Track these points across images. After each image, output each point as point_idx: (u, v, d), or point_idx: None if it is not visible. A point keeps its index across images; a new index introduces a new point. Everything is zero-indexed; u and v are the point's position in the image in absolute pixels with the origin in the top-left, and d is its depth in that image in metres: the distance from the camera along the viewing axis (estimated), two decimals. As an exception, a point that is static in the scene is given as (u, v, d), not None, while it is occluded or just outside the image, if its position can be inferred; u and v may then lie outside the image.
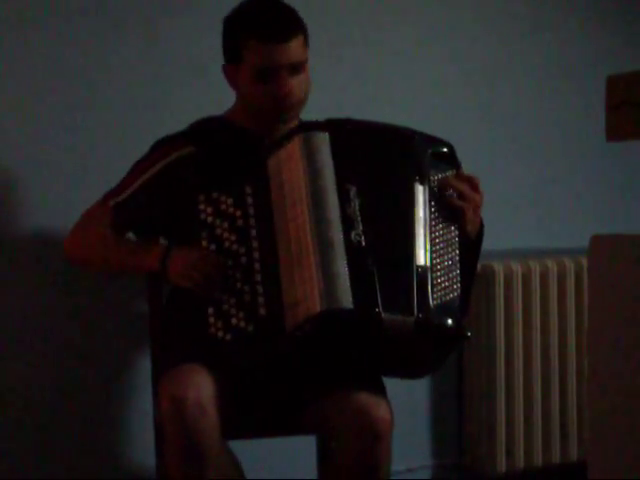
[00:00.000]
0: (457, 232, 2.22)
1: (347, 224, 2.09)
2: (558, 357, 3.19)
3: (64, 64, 2.61)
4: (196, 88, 2.73)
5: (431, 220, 2.19)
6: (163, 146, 2.33)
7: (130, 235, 2.37)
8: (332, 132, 2.18)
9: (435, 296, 2.13)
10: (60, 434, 2.61)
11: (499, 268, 3.10)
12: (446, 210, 2.22)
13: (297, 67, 2.26)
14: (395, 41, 3.10)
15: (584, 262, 3.17)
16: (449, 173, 2.26)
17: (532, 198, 3.33)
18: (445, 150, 2.29)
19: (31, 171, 2.57)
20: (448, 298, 2.15)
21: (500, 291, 3.11)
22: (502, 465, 3.11)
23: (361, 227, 2.09)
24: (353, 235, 2.08)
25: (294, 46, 2.24)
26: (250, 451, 2.55)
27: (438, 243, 2.18)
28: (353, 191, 2.12)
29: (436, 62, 3.18)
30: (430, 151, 2.26)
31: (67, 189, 2.59)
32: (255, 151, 2.23)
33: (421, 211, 2.19)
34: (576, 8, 3.44)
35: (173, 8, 2.75)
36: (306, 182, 2.12)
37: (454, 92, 3.21)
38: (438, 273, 2.16)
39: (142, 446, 2.58)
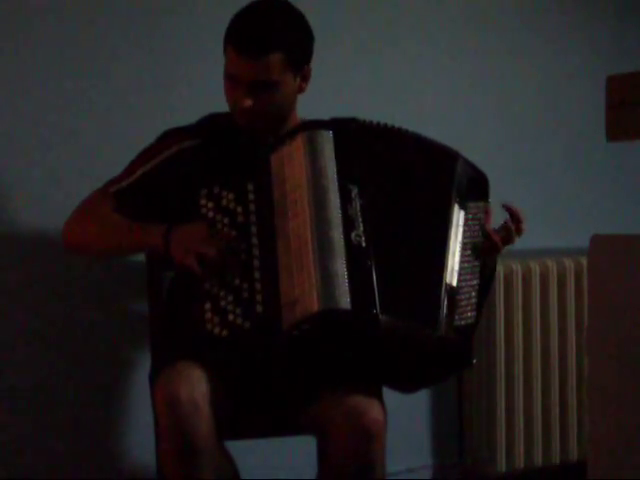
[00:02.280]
0: (480, 262, 2.24)
1: (347, 224, 2.08)
2: (558, 357, 3.19)
3: (60, 64, 2.61)
4: (197, 89, 2.73)
5: (464, 244, 2.21)
6: (168, 137, 2.33)
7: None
8: (336, 131, 2.17)
9: (457, 317, 2.15)
10: (60, 434, 2.61)
11: (499, 268, 3.10)
12: (477, 238, 2.24)
13: (265, 85, 2.21)
14: (400, 46, 3.11)
15: (584, 262, 3.17)
16: (481, 203, 2.28)
17: (532, 198, 3.32)
18: (482, 180, 2.31)
19: (26, 171, 2.57)
20: (464, 323, 2.16)
21: (500, 291, 3.11)
22: (502, 465, 3.11)
23: (362, 228, 2.08)
24: (353, 236, 2.07)
25: (263, 65, 2.19)
26: (250, 451, 2.55)
27: (465, 267, 2.20)
28: (355, 191, 2.11)
29: (438, 65, 3.18)
30: (469, 176, 2.27)
31: (64, 188, 2.59)
32: (258, 148, 2.21)
33: (459, 233, 2.20)
34: (576, 8, 3.44)
35: (175, 6, 2.75)
36: (308, 180, 2.10)
37: (452, 92, 3.21)
38: (462, 296, 2.17)
39: (142, 446, 2.58)
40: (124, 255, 2.51)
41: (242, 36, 2.21)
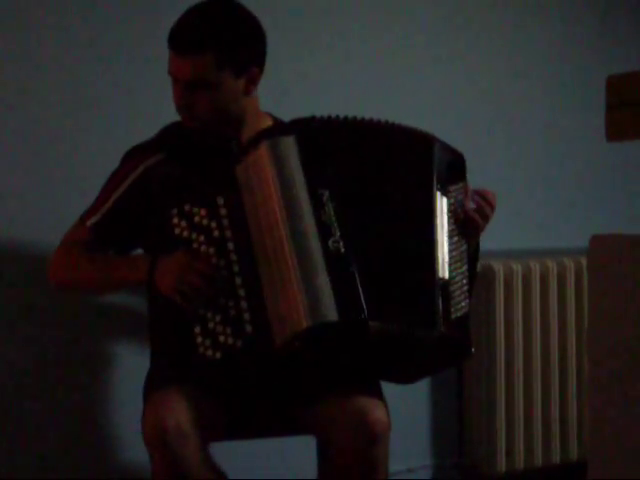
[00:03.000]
0: (466, 246, 2.21)
1: (323, 232, 2.03)
2: (558, 357, 3.19)
3: (59, 65, 2.62)
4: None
5: (450, 231, 2.17)
6: (132, 158, 2.31)
7: (111, 253, 2.32)
8: (298, 134, 2.09)
9: (453, 310, 2.11)
10: (59, 434, 2.61)
11: (499, 268, 3.10)
12: (460, 222, 2.20)
13: (200, 85, 2.19)
14: (396, 41, 3.11)
15: (584, 262, 3.17)
16: (460, 185, 2.23)
17: (532, 198, 3.33)
18: (459, 161, 2.26)
19: (11, 179, 2.57)
20: (460, 314, 2.13)
21: (500, 291, 3.11)
22: (502, 465, 3.11)
23: (338, 233, 2.03)
24: (330, 243, 2.02)
25: (196, 63, 2.17)
26: (250, 451, 2.55)
27: (454, 256, 2.16)
28: (326, 195, 2.05)
29: (436, 63, 3.18)
30: (447, 159, 2.22)
31: (51, 197, 2.60)
32: (222, 157, 2.17)
33: (444, 221, 2.15)
34: (576, 8, 3.44)
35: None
36: (277, 191, 2.05)
37: (454, 92, 3.21)
38: (455, 287, 2.14)
39: (141, 446, 2.57)
40: (114, 292, 2.52)
41: (176, 35, 2.21)
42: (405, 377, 2.31)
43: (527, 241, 3.28)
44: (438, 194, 2.16)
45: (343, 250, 2.02)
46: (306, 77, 2.91)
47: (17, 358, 2.57)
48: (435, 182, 2.16)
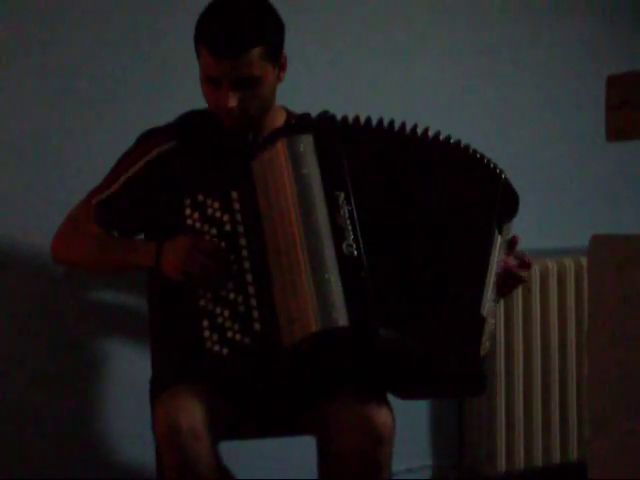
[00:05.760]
0: (497, 285, 2.17)
1: (337, 235, 1.98)
2: (558, 357, 3.19)
3: (45, 66, 2.62)
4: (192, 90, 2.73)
5: (495, 270, 2.12)
6: (146, 141, 2.29)
7: (115, 233, 2.31)
8: (317, 133, 2.04)
9: (482, 347, 2.09)
10: (60, 434, 2.61)
11: (499, 268, 3.10)
12: (502, 262, 2.16)
13: (246, 82, 2.16)
14: (391, 38, 3.11)
15: (584, 262, 3.17)
16: (510, 225, 2.20)
17: (532, 198, 3.32)
18: (514, 200, 2.23)
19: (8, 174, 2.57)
20: (484, 353, 2.11)
21: (500, 291, 3.11)
22: (502, 465, 3.11)
23: (352, 236, 1.98)
24: (344, 246, 1.98)
25: (244, 62, 2.13)
26: (250, 451, 2.55)
27: (490, 295, 2.12)
28: (342, 198, 2.00)
29: (434, 61, 3.18)
30: (507, 196, 2.18)
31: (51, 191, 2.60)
32: (238, 150, 2.14)
33: (495, 260, 2.11)
34: (576, 8, 3.44)
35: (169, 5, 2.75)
36: (292, 190, 2.01)
37: (452, 92, 3.21)
38: (486, 325, 2.10)
39: (143, 446, 2.58)
40: (116, 274, 2.52)
41: (217, 37, 2.15)
42: (407, 394, 2.29)
43: (527, 241, 3.27)
44: (495, 230, 2.13)
45: (356, 254, 1.98)
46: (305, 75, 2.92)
47: (15, 358, 2.57)
48: (496, 217, 2.14)
